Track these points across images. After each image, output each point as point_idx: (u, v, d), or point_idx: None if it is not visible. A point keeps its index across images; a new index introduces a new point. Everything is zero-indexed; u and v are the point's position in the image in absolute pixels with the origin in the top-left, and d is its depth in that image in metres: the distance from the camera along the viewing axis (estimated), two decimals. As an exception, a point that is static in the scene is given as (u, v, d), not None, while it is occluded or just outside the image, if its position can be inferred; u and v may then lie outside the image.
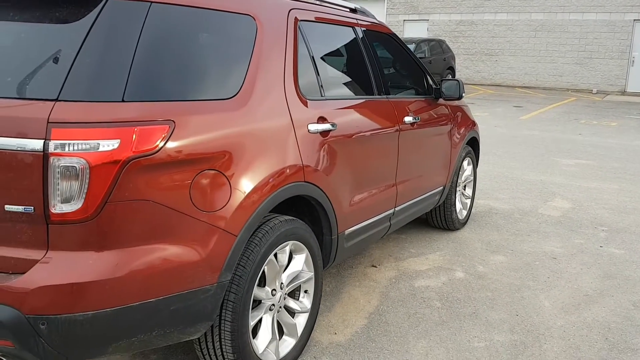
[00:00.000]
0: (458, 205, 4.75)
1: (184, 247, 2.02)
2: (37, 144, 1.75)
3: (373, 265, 3.99)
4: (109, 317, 1.86)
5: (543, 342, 2.99)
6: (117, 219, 1.84)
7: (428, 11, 21.52)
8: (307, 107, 2.67)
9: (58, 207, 1.77)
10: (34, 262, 1.80)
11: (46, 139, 1.74)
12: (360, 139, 3.06)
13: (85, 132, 1.76)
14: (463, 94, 4.12)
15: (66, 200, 1.77)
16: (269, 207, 2.34)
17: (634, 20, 18.21)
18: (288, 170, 2.45)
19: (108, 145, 1.79)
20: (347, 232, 3.03)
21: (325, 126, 2.74)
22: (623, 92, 18.62)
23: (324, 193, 2.72)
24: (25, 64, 1.92)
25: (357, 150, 3.04)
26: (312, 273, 2.76)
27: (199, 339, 2.32)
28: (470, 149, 4.84)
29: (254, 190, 2.25)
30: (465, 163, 4.80)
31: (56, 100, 1.78)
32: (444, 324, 3.17)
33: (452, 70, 17.86)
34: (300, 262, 2.68)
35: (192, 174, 2.02)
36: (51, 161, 1.75)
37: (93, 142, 1.77)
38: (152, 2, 2.06)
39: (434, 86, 4.13)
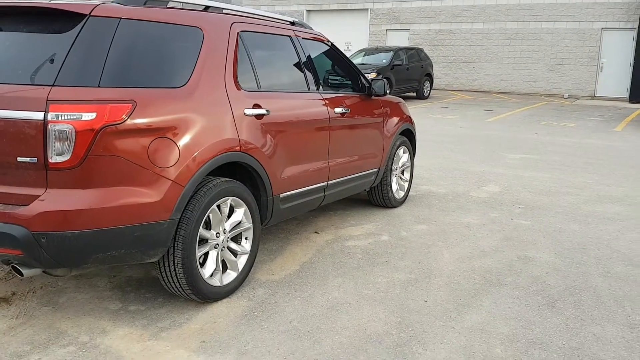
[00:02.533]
0: (394, 186, 5.61)
1: (144, 190, 2.87)
2: (39, 115, 2.60)
3: (316, 232, 4.83)
4: (89, 235, 2.70)
5: (431, 279, 3.84)
6: (95, 168, 2.70)
7: (409, 21, 22.50)
8: (244, 95, 3.53)
9: (54, 158, 2.62)
10: (37, 197, 2.65)
11: (46, 112, 2.59)
12: (292, 122, 3.91)
13: (73, 107, 2.62)
14: (388, 91, 5.01)
15: (59, 154, 2.62)
16: (211, 168, 3.19)
17: (602, 28, 19.20)
18: (226, 142, 3.30)
19: (88, 116, 2.64)
20: (281, 195, 3.87)
21: (260, 111, 3.60)
22: (593, 97, 19.58)
23: (259, 162, 3.57)
24: (31, 61, 2.79)
25: (289, 131, 3.89)
26: (251, 224, 3.61)
27: (159, 263, 3.15)
28: (405, 139, 5.70)
29: (198, 154, 3.10)
30: (401, 151, 5.66)
31: (52, 85, 2.64)
32: (360, 268, 4.02)
33: (429, 77, 18.78)
34: (240, 215, 3.52)
35: (149, 139, 2.87)
36: (49, 127, 2.60)
37: (78, 114, 2.62)
38: (121, 18, 2.93)
39: (367, 85, 4.99)
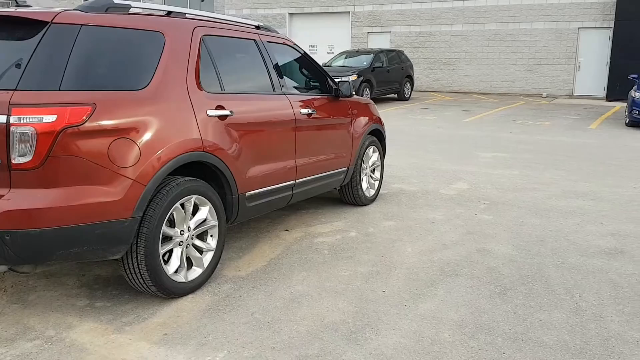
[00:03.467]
0: (365, 185, 5.76)
1: (106, 189, 2.99)
2: (2, 118, 2.71)
3: (286, 230, 4.97)
4: (52, 233, 2.82)
5: (392, 271, 3.99)
6: (56, 168, 2.82)
7: (390, 24, 22.73)
8: (207, 97, 3.66)
9: (17, 160, 2.74)
10: (1, 196, 2.76)
11: (8, 115, 2.71)
12: (256, 123, 4.05)
13: (34, 110, 2.74)
14: (353, 93, 5.18)
15: (22, 155, 2.74)
16: (173, 167, 3.32)
17: (579, 28, 19.54)
18: (188, 142, 3.43)
19: (49, 119, 2.76)
20: (247, 194, 4.00)
21: (224, 112, 3.73)
22: (571, 96, 19.91)
23: (223, 161, 3.70)
24: None
25: (254, 132, 4.03)
26: (216, 222, 3.74)
27: (122, 260, 3.27)
28: (374, 139, 5.86)
29: (159, 154, 3.22)
30: (370, 151, 5.82)
31: (15, 89, 2.76)
32: (325, 263, 4.16)
33: (410, 78, 19.00)
34: (205, 213, 3.65)
35: (110, 140, 3.00)
36: (11, 129, 2.71)
37: (39, 117, 2.74)
38: (82, 24, 3.06)
39: (334, 87, 5.14)
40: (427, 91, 22.24)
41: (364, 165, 5.73)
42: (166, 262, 3.43)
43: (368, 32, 23.32)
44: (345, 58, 18.08)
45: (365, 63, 17.17)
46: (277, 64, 4.49)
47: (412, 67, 19.24)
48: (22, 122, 2.72)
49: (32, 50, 2.87)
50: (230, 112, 3.79)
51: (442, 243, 4.64)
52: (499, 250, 4.48)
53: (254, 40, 4.36)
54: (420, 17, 22.07)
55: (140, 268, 3.25)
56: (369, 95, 16.64)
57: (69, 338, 3.02)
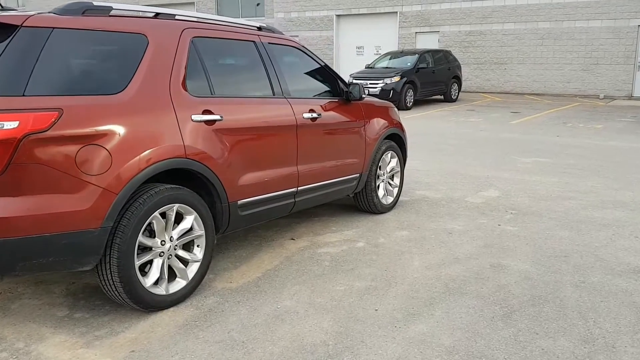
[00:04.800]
0: (381, 192, 5.48)
1: (72, 198, 2.87)
2: (-38, 125, 2.63)
3: (292, 239, 4.76)
4: (14, 243, 2.72)
5: (391, 287, 3.72)
6: (18, 176, 2.72)
7: (439, 23, 22.18)
8: (193, 102, 3.50)
9: (-24, 167, 2.65)
10: None
11: (-33, 121, 2.62)
12: (250, 128, 3.86)
13: (-6, 116, 2.64)
14: (363, 96, 4.92)
15: (-18, 162, 2.65)
16: (149, 175, 3.17)
17: (639, 26, 18.42)
18: (168, 149, 3.27)
19: (10, 125, 2.66)
20: (240, 202, 3.82)
21: (211, 117, 3.57)
22: (630, 97, 18.79)
23: (209, 168, 3.53)
24: None
25: (248, 137, 3.84)
26: (203, 231, 3.57)
27: (97, 271, 3.15)
28: (393, 144, 5.57)
29: (133, 161, 3.08)
30: (388, 156, 5.54)
31: (-25, 96, 2.67)
32: (322, 276, 3.93)
33: (457, 79, 18.43)
34: (189, 222, 3.49)
35: (77, 147, 2.88)
36: (-29, 136, 2.63)
37: (-1, 123, 2.64)
38: (54, 27, 2.95)
39: (345, 89, 4.90)
40: (476, 92, 21.55)
41: (380, 172, 5.45)
42: (145, 273, 3.29)
43: (416, 33, 22.84)
44: (390, 59, 17.72)
45: (409, 64, 16.76)
46: (278, 66, 4.29)
47: (460, 68, 18.67)
48: (-19, 128, 2.63)
49: (-1, 55, 2.79)
50: (220, 117, 3.62)
51: (454, 256, 4.32)
52: (515, 266, 4.11)
53: (253, 42, 4.18)
54: (470, 15, 21.41)
55: (114, 280, 3.12)
56: (412, 97, 16.24)
57: (36, 351, 2.92)
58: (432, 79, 17.26)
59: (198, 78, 3.64)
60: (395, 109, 5.86)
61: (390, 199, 5.65)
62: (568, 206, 5.77)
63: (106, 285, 3.18)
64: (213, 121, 3.59)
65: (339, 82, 4.91)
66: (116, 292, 3.17)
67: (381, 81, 15.86)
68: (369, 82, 16.04)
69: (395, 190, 5.73)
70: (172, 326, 3.19)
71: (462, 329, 3.14)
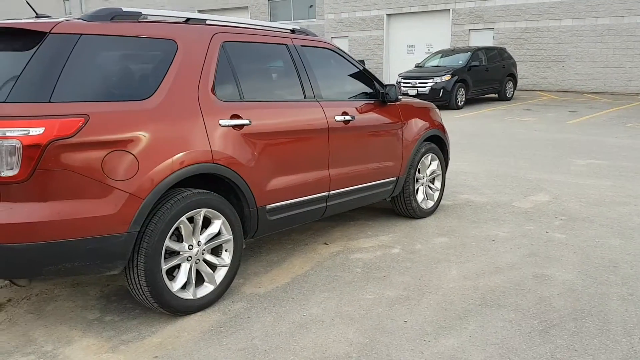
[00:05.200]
0: (420, 196, 5.33)
1: (98, 203, 2.89)
2: (-10, 131, 2.69)
3: (325, 243, 4.68)
4: (39, 248, 2.76)
5: (424, 297, 3.58)
6: (44, 181, 2.75)
7: (493, 20, 21.58)
8: (221, 106, 3.48)
9: (4, 173, 2.70)
10: None
11: (-5, 128, 2.68)
12: (279, 132, 3.80)
13: (20, 123, 2.69)
14: (400, 97, 4.78)
15: (9, 168, 2.70)
16: (176, 180, 3.16)
17: None
18: (195, 154, 3.26)
19: (35, 131, 2.70)
20: (268, 207, 3.78)
21: (240, 121, 3.53)
22: (699, 94, 17.71)
23: (237, 173, 3.50)
24: None
25: (277, 141, 3.79)
26: (231, 236, 3.55)
27: (126, 275, 3.17)
28: (433, 146, 5.40)
29: (160, 166, 3.08)
30: (428, 159, 5.38)
31: (4, 102, 2.72)
32: (352, 283, 3.83)
33: (512, 77, 17.87)
34: (217, 226, 3.47)
35: (104, 152, 2.89)
36: (-1, 142, 2.68)
37: (25, 130, 2.69)
38: (82, 34, 2.98)
39: (381, 91, 4.78)
40: (533, 90, 20.83)
41: (419, 175, 5.30)
42: (172, 278, 3.30)
43: (469, 30, 22.30)
44: (441, 57, 17.35)
45: (460, 62, 16.37)
46: (311, 69, 4.22)
47: (515, 65, 18.09)
48: (8, 135, 2.68)
49: (25, 62, 2.83)
50: (249, 121, 3.58)
51: (495, 266, 4.13)
52: (559, 276, 3.89)
53: (285, 45, 4.13)
54: (526, 12, 20.72)
55: (141, 284, 3.13)
56: (463, 97, 15.85)
57: (62, 354, 2.96)
58: (486, 77, 16.79)
59: (227, 83, 3.61)
60: (437, 110, 5.68)
61: (430, 204, 5.48)
62: (622, 212, 5.44)
63: (134, 289, 3.20)
64: (241, 126, 3.55)
65: (375, 83, 4.80)
66: (143, 296, 3.18)
67: (431, 80, 15.56)
68: (418, 81, 15.78)
69: (436, 194, 5.56)
70: (198, 331, 3.18)
71: (496, 345, 2.98)
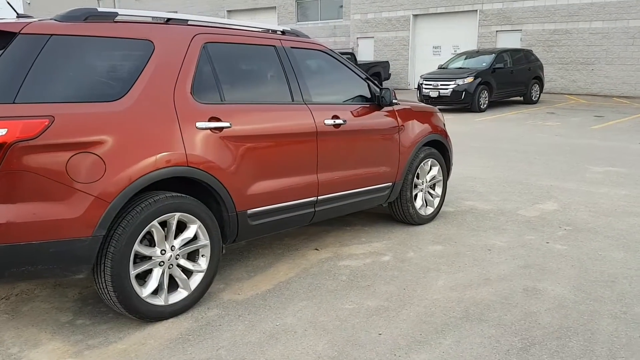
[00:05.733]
0: (418, 202, 5.19)
1: (62, 206, 2.85)
2: (-47, 132, 2.67)
3: (316, 249, 4.58)
4: (1, 250, 2.72)
5: (404, 309, 3.45)
6: (6, 184, 2.72)
7: (521, 21, 21.15)
8: (199, 108, 3.41)
9: (-35, 173, 2.68)
10: None
11: (-44, 129, 2.66)
12: (262, 136, 3.72)
13: (-19, 124, 2.66)
14: (394, 101, 4.64)
15: (-30, 169, 2.67)
16: (146, 183, 3.10)
17: None
18: (167, 156, 3.19)
19: (-3, 132, 2.67)
20: (250, 211, 3.69)
21: (218, 124, 3.46)
22: None
23: (214, 177, 3.42)
24: None
25: (259, 145, 3.70)
26: (208, 241, 3.48)
27: (94, 279, 3.12)
28: (434, 151, 5.25)
29: (128, 169, 3.03)
30: (428, 164, 5.23)
31: (-34, 103, 2.70)
32: (334, 292, 3.72)
33: (539, 80, 17.46)
34: (192, 231, 3.40)
35: (69, 154, 2.85)
36: (-39, 143, 2.66)
37: (-13, 130, 2.66)
38: (52, 34, 2.95)
39: (376, 94, 4.65)
40: (560, 93, 20.33)
41: (418, 181, 5.16)
42: (142, 283, 3.24)
43: (497, 31, 21.90)
44: (465, 59, 17.06)
45: (484, 64, 16.06)
46: (300, 71, 4.13)
47: (541, 68, 17.67)
48: (-31, 136, 2.66)
49: (-9, 63, 2.81)
50: (229, 124, 3.51)
51: (485, 277, 3.97)
52: (551, 290, 3.71)
53: (274, 46, 4.04)
54: (555, 13, 20.24)
55: (108, 289, 3.08)
56: (487, 99, 15.54)
57: (26, 358, 2.93)
58: (510, 79, 16.44)
59: (208, 85, 3.54)
60: (439, 114, 5.53)
61: (430, 210, 5.33)
62: (631, 223, 5.20)
63: (103, 294, 3.15)
64: (220, 128, 3.48)
65: (371, 86, 4.68)
66: (111, 301, 3.13)
67: (453, 82, 15.30)
68: (440, 82, 15.54)
69: (437, 201, 5.41)
70: (165, 339, 3.11)
71: (468, 362, 2.84)
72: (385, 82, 23.26)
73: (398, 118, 4.84)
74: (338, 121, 4.22)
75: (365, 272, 4.06)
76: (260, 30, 4.11)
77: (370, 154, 4.57)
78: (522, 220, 5.33)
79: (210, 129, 3.43)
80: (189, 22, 3.65)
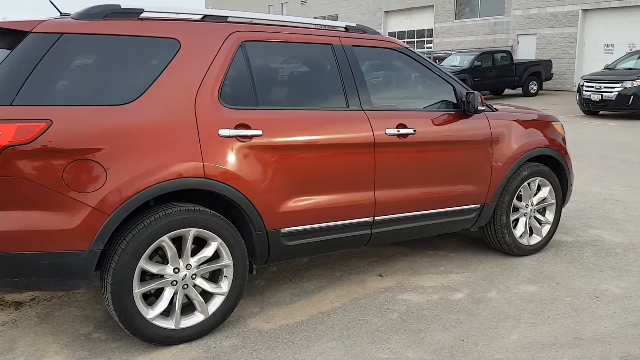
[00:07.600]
0: (519, 230, 4.33)
1: (56, 216, 2.66)
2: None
3: (380, 275, 4.01)
4: (-8, 258, 2.61)
5: (446, 369, 2.76)
6: (-2, 189, 2.60)
7: None
8: (225, 115, 3.05)
9: (-43, 178, 2.59)
10: None
11: (-51, 132, 2.57)
12: (301, 146, 3.25)
13: (-26, 127, 2.55)
14: (480, 107, 3.86)
15: (-38, 173, 2.58)
16: (152, 195, 2.82)
17: None
18: (180, 167, 2.88)
19: (-10, 135, 2.55)
20: (284, 230, 3.26)
21: (246, 132, 3.07)
22: None
23: (237, 190, 3.04)
24: None
25: (297, 156, 3.25)
26: (231, 261, 3.11)
27: (104, 293, 2.91)
28: (543, 168, 4.34)
29: (132, 178, 2.76)
30: (533, 184, 4.34)
31: (-38, 104, 2.61)
32: (374, 333, 3.14)
33: None
34: (212, 249, 3.06)
35: (66, 161, 2.65)
36: (-47, 146, 2.58)
37: (-21, 134, 2.55)
38: (63, 33, 2.78)
39: (462, 99, 3.93)
40: None
41: (519, 203, 4.30)
42: (153, 303, 2.97)
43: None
44: (637, 59, 14.79)
45: (663, 66, 13.78)
46: (361, 72, 3.58)
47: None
48: (-39, 139, 2.57)
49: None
50: (260, 131, 3.11)
51: (576, 335, 3.10)
52: (663, 366, 2.76)
53: (331, 44, 3.54)
54: None
55: (110, 307, 2.86)
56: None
57: (23, 371, 2.82)
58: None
59: (241, 88, 3.17)
60: (556, 124, 4.58)
61: (535, 239, 4.44)
62: None
63: (109, 312, 2.94)
64: (249, 136, 3.09)
65: (456, 90, 3.96)
66: (117, 320, 2.90)
67: (619, 84, 13.33)
68: (603, 85, 13.64)
69: (546, 228, 4.48)
70: (163, 369, 2.81)
71: None
72: (546, 82, 21.26)
73: (491, 128, 4.05)
74: (405, 131, 3.60)
75: (424, 312, 3.41)
76: (317, 27, 3.63)
77: (449, 169, 3.87)
78: (659, 261, 4.21)
79: (237, 137, 3.06)
80: (229, 19, 3.30)
